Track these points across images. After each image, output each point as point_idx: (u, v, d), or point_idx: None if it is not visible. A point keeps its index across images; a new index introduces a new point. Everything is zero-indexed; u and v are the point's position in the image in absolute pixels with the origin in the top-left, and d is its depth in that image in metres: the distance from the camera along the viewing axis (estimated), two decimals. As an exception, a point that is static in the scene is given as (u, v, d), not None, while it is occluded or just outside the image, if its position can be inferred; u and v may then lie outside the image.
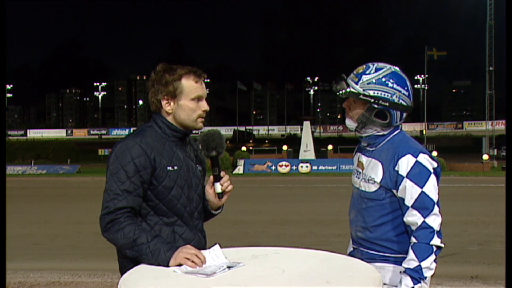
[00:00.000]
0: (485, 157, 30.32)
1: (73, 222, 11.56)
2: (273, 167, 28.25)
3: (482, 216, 11.61)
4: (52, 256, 8.35)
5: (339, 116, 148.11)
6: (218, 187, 2.36)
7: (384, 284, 2.32)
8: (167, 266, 2.08)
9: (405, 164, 2.28)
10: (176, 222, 2.31)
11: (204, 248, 2.37)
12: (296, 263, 2.10)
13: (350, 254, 2.56)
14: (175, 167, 2.30)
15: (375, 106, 2.33)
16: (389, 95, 2.33)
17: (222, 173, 2.37)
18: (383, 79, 2.33)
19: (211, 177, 2.37)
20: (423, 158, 2.29)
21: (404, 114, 2.38)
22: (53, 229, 10.88)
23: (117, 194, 2.21)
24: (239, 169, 27.98)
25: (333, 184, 18.65)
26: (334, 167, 26.21)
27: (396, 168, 2.30)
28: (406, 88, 2.36)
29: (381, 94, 2.32)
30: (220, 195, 2.38)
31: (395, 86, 2.33)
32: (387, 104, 2.33)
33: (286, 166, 27.90)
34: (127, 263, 2.25)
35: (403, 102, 2.35)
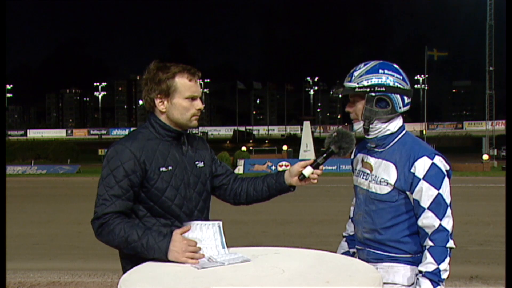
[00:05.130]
0: (485, 157, 30.30)
1: (73, 222, 11.56)
2: (273, 167, 28.25)
3: (482, 216, 11.61)
4: (52, 256, 8.35)
5: (339, 116, 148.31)
6: (308, 171, 2.35)
7: (394, 284, 2.34)
8: (166, 258, 2.09)
9: (421, 166, 2.28)
10: (173, 223, 2.30)
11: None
12: (296, 263, 2.10)
13: (350, 255, 2.56)
14: (169, 168, 2.29)
15: (372, 94, 2.33)
16: (383, 80, 2.32)
17: (321, 167, 2.37)
18: (373, 69, 2.35)
19: (312, 160, 2.37)
20: (438, 160, 2.30)
21: (406, 99, 2.36)
22: (53, 229, 10.89)
23: (105, 200, 2.21)
24: (239, 169, 27.98)
25: (333, 184, 18.67)
26: (334, 167, 26.17)
27: (412, 170, 2.29)
28: (398, 72, 2.36)
29: (374, 81, 2.32)
30: (301, 176, 2.37)
31: (386, 71, 2.34)
32: (383, 89, 2.32)
33: (286, 166, 27.90)
34: (126, 263, 2.25)
35: (399, 85, 2.34)
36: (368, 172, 2.43)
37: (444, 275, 2.24)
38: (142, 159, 2.25)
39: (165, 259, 2.09)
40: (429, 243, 2.26)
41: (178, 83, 2.29)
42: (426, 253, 2.26)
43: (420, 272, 2.26)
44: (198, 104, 2.34)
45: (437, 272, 2.23)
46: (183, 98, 2.30)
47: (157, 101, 2.32)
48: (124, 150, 2.25)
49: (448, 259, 2.25)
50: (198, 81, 2.36)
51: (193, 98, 2.32)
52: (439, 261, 2.23)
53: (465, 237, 9.05)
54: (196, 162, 2.40)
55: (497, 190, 16.76)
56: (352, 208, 2.62)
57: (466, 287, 6.15)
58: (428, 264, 2.24)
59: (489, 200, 14.67)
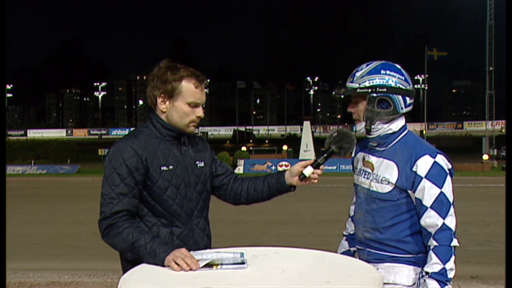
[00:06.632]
0: (485, 157, 30.30)
1: (73, 222, 11.57)
2: (273, 167, 28.25)
3: (482, 216, 11.60)
4: (52, 256, 8.35)
5: (339, 116, 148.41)
6: (309, 171, 2.35)
7: (395, 284, 2.34)
8: (164, 266, 2.07)
9: (423, 164, 2.27)
10: (173, 223, 2.30)
11: (207, 247, 2.37)
12: (296, 263, 2.09)
13: (350, 254, 2.56)
14: (170, 167, 2.29)
15: (374, 95, 2.32)
16: (384, 81, 2.32)
17: (321, 167, 2.36)
18: (375, 70, 2.34)
19: (312, 160, 2.37)
20: (440, 159, 2.29)
21: (408, 99, 2.35)
22: (53, 229, 10.89)
23: (112, 198, 2.20)
24: (239, 169, 27.97)
25: (333, 184, 18.65)
26: (334, 167, 26.16)
27: (413, 169, 2.29)
28: (400, 73, 2.36)
29: (376, 82, 2.32)
30: (302, 176, 2.36)
31: (388, 72, 2.34)
32: (385, 90, 2.32)
33: (286, 166, 27.89)
34: (126, 263, 2.25)
35: (401, 86, 2.34)
36: (370, 171, 2.42)
37: (451, 275, 2.23)
38: (144, 157, 2.25)
39: (162, 265, 2.08)
40: (433, 243, 2.25)
41: (183, 87, 2.28)
42: (431, 254, 2.25)
43: (427, 273, 2.25)
44: (199, 112, 2.33)
45: (443, 272, 2.22)
46: (185, 102, 2.29)
47: (159, 100, 2.31)
48: (126, 148, 2.25)
49: (453, 258, 2.24)
50: (204, 89, 2.34)
51: (195, 105, 2.31)
52: (444, 261, 2.22)
53: (465, 237, 9.04)
54: (197, 162, 2.40)
55: (497, 190, 16.75)
56: (352, 207, 2.62)
57: (466, 287, 6.14)
58: (434, 264, 2.23)
59: (489, 200, 14.67)
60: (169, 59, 2.35)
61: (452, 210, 2.27)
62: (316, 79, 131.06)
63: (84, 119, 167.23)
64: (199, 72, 2.33)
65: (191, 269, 2.00)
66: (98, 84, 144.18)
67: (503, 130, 40.50)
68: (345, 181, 17.03)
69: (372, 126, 2.37)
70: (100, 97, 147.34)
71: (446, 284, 2.22)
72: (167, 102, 2.30)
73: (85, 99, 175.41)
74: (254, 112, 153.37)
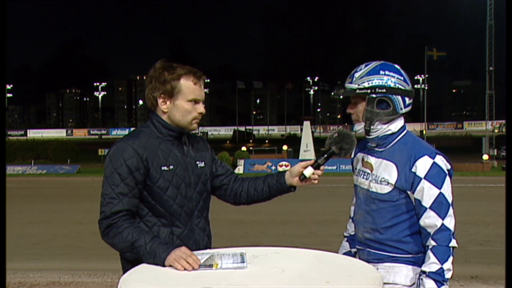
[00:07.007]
0: (485, 157, 30.31)
1: (73, 222, 11.57)
2: (273, 167, 28.24)
3: (482, 216, 11.61)
4: (52, 256, 8.35)
5: (339, 116, 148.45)
6: (309, 171, 2.36)
7: (395, 284, 2.34)
8: (164, 266, 2.08)
9: (422, 165, 2.28)
10: (174, 223, 2.31)
11: (207, 247, 2.38)
12: (296, 263, 2.10)
13: (352, 255, 2.56)
14: (171, 167, 2.29)
15: (373, 96, 2.33)
16: (383, 81, 2.32)
17: (322, 167, 2.37)
18: (374, 70, 2.34)
19: (313, 160, 2.37)
20: (439, 160, 2.30)
21: (407, 100, 2.35)
22: (53, 229, 10.89)
23: (112, 198, 2.21)
24: (239, 169, 27.97)
25: (333, 184, 18.65)
26: (334, 167, 26.14)
27: (413, 170, 2.29)
28: (399, 73, 2.36)
29: (375, 82, 2.32)
30: (302, 177, 2.37)
31: (387, 72, 2.34)
32: (384, 90, 2.32)
33: (286, 166, 27.89)
34: (126, 263, 2.26)
35: (400, 86, 2.34)
36: (369, 171, 2.43)
37: (448, 275, 2.24)
38: (145, 157, 2.25)
39: (162, 265, 2.08)
40: (431, 242, 2.26)
41: (182, 85, 2.30)
42: (429, 253, 2.26)
43: (424, 272, 2.25)
44: (200, 108, 2.34)
45: (441, 272, 2.23)
46: (186, 100, 2.30)
47: (159, 101, 2.32)
48: (126, 147, 2.25)
49: (451, 258, 2.25)
50: (202, 85, 2.35)
51: (196, 102, 2.32)
52: (442, 261, 2.23)
53: (465, 237, 9.04)
54: (197, 162, 2.41)
55: (497, 190, 16.75)
56: (352, 208, 2.62)
57: (466, 287, 6.15)
58: (432, 264, 2.24)
59: (489, 200, 14.66)
60: (164, 60, 2.36)
61: (451, 210, 2.28)
62: (316, 79, 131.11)
63: (84, 119, 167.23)
64: (195, 69, 2.35)
65: (193, 269, 2.01)
66: (98, 84, 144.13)
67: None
68: (345, 181, 17.03)
69: (372, 127, 2.37)
70: (100, 97, 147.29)
71: (443, 284, 2.23)
72: (168, 102, 2.31)
73: (85, 99, 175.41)
74: (254, 112, 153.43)
